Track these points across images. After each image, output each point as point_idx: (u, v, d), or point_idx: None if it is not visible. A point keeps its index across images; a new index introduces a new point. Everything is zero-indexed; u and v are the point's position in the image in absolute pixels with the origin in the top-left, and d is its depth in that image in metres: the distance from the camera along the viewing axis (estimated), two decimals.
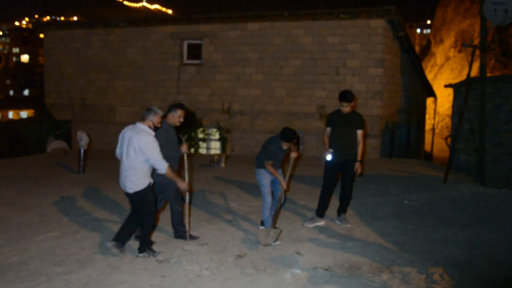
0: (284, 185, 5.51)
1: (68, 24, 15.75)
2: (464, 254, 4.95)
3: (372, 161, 11.11)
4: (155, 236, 5.34)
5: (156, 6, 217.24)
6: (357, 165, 5.83)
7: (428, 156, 20.07)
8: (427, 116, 25.13)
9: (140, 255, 4.75)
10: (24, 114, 45.09)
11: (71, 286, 4.10)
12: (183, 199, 5.36)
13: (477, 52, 8.67)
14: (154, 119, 4.76)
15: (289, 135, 5.31)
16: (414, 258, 4.81)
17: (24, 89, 67.21)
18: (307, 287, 4.09)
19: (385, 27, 11.53)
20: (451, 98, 14.93)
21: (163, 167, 4.71)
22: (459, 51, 33.78)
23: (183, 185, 4.98)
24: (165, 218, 5.96)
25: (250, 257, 4.78)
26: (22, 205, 6.71)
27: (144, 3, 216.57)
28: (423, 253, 4.98)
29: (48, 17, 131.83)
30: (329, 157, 5.80)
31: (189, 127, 12.61)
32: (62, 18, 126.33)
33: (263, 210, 5.60)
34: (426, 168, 10.13)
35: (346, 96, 5.73)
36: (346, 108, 5.78)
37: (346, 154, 5.83)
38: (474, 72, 24.24)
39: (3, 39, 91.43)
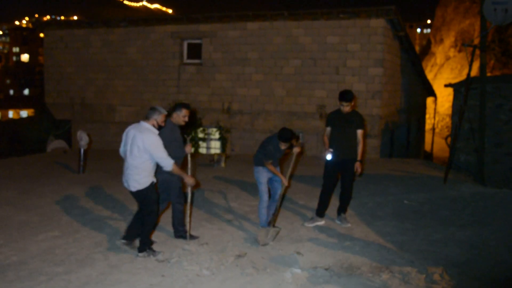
0: (285, 182, 5.52)
1: (68, 24, 15.72)
2: (464, 254, 4.95)
3: (372, 161, 11.12)
4: (155, 236, 5.34)
5: (156, 6, 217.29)
6: (357, 165, 5.83)
7: (428, 156, 20.07)
8: (427, 116, 25.14)
9: (140, 254, 4.75)
10: (24, 113, 45.09)
11: (71, 286, 4.11)
12: (186, 199, 5.36)
13: (477, 51, 8.67)
14: (159, 118, 4.78)
15: (287, 135, 5.32)
16: (413, 258, 4.82)
17: (24, 89, 67.18)
18: (307, 286, 4.09)
19: (385, 27, 11.53)
20: (451, 97, 14.94)
21: (169, 164, 4.72)
22: (459, 51, 33.78)
23: (190, 179, 5.00)
24: (165, 218, 5.96)
25: (250, 257, 4.78)
26: (22, 205, 6.71)
27: (144, 3, 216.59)
28: (423, 253, 4.98)
29: (48, 17, 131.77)
30: (329, 156, 5.80)
31: (191, 127, 12.62)
32: (62, 18, 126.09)
33: (259, 208, 5.61)
34: (426, 168, 10.13)
35: (346, 95, 5.73)
36: (346, 108, 5.78)
37: (346, 154, 5.83)
38: (474, 71, 24.24)
39: (3, 38, 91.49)
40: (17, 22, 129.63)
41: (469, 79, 8.43)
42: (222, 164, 10.12)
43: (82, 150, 9.26)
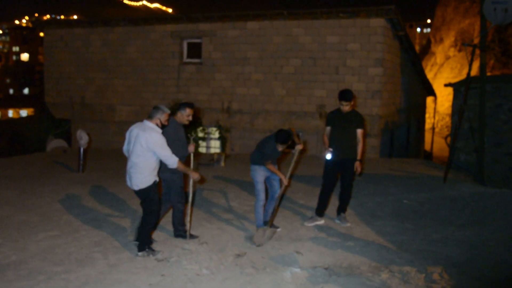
0: (285, 181, 5.49)
1: (68, 23, 15.71)
2: (464, 253, 4.95)
3: (372, 160, 11.12)
4: (155, 235, 5.34)
5: (156, 5, 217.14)
6: (357, 164, 5.83)
7: (428, 155, 20.08)
8: (427, 115, 25.15)
9: (140, 254, 4.74)
10: (24, 113, 45.11)
11: (70, 285, 4.10)
12: (187, 199, 5.36)
13: (477, 51, 8.67)
14: (162, 117, 4.80)
15: (284, 137, 5.28)
16: (413, 257, 4.82)
17: (24, 88, 67.18)
18: (307, 286, 4.09)
19: (384, 27, 11.53)
20: (451, 97, 14.94)
21: (173, 162, 4.74)
22: (459, 51, 33.78)
23: (195, 175, 5.03)
24: (164, 217, 5.95)
25: (250, 256, 4.78)
26: (21, 204, 6.71)
27: (144, 2, 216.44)
28: (423, 252, 4.98)
29: (48, 16, 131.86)
30: (328, 156, 5.80)
31: (192, 126, 12.61)
32: (62, 17, 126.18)
33: (256, 207, 5.57)
34: (426, 168, 10.13)
35: (345, 95, 5.72)
36: (345, 107, 5.78)
37: (346, 153, 5.83)
38: (474, 71, 24.23)
39: (3, 37, 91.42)
40: (17, 22, 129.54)
41: (469, 78, 8.43)
42: (222, 164, 10.12)
43: (81, 150, 9.26)
